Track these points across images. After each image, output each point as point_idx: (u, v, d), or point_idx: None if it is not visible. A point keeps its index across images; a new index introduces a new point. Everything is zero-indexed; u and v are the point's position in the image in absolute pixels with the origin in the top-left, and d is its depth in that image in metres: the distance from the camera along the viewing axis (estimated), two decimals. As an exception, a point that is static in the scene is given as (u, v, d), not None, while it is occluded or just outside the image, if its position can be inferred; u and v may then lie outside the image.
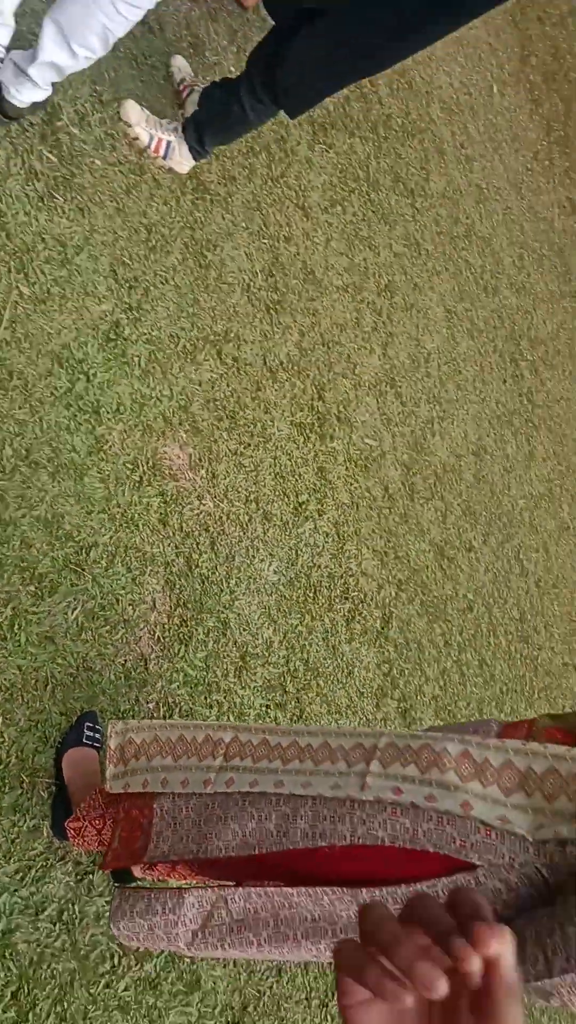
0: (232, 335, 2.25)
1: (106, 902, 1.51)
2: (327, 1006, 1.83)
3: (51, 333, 1.79)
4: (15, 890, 1.41)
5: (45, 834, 1.48)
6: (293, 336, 2.48)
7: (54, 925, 1.44)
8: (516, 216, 4.28)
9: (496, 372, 3.65)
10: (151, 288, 2.03)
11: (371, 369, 2.80)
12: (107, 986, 1.48)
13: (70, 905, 1.47)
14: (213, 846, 1.04)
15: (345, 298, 2.77)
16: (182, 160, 2.10)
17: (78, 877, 1.50)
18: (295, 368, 2.46)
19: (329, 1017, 1.83)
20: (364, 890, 0.96)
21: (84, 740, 1.56)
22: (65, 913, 1.46)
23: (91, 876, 1.52)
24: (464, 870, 0.91)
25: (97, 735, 1.59)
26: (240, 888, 1.05)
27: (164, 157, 2.07)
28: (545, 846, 0.87)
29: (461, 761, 0.94)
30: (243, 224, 2.38)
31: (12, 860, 1.43)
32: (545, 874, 0.87)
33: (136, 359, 1.96)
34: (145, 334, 1.99)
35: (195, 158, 2.12)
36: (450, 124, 3.82)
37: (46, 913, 1.44)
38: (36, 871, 1.45)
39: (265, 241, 2.46)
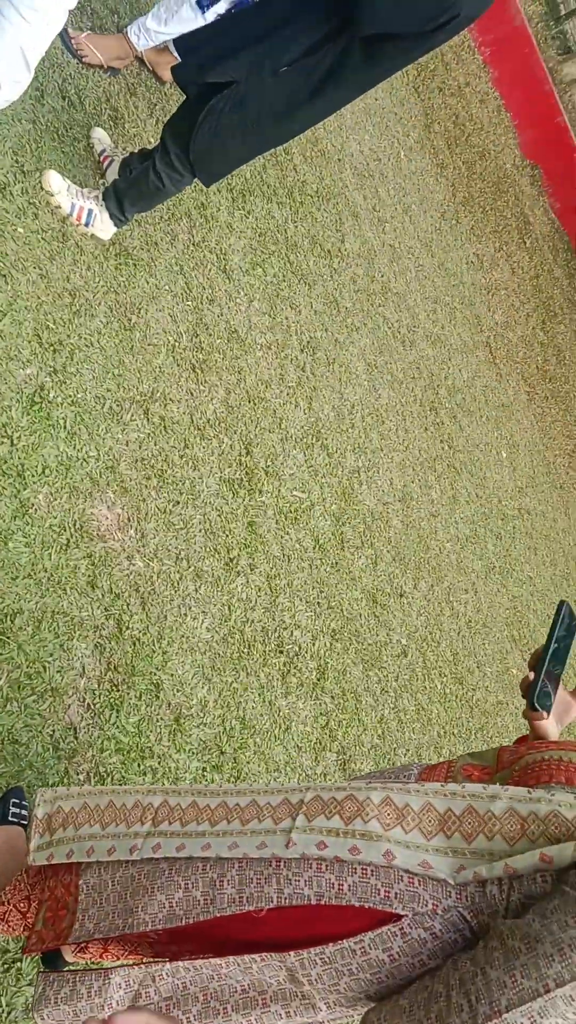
0: (159, 395, 2.27)
1: (28, 983, 1.44)
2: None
3: (-28, 399, 1.77)
4: None
5: (-27, 921, 1.41)
6: (219, 393, 2.52)
7: (-16, 1019, 1.37)
8: (428, 272, 4.48)
9: (417, 420, 3.77)
10: (76, 351, 2.04)
11: (297, 423, 2.86)
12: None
13: None
14: (139, 919, 1.01)
15: (269, 355, 2.83)
16: (104, 227, 2.14)
17: (5, 966, 1.43)
18: (222, 425, 2.49)
19: None
20: (292, 953, 0.95)
21: (9, 818, 1.51)
22: (-4, 1005, 1.39)
23: (19, 964, 1.45)
24: (389, 922, 0.91)
25: (24, 811, 1.54)
26: (168, 963, 1.03)
27: (86, 224, 2.11)
28: (467, 888, 0.88)
29: (383, 808, 0.95)
30: (167, 287, 2.43)
31: None
32: (468, 918, 0.88)
33: (62, 421, 1.95)
34: (70, 396, 1.99)
35: (116, 225, 2.16)
36: (362, 188, 4.00)
37: (-25, 1007, 1.36)
38: (-36, 962, 1.38)
39: (189, 303, 2.50)
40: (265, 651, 2.33)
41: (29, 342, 1.93)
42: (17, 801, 1.53)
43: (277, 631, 2.41)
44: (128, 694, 1.87)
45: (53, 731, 1.68)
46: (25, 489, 1.81)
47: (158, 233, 2.47)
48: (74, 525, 1.90)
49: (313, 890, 0.93)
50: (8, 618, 1.68)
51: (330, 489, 2.92)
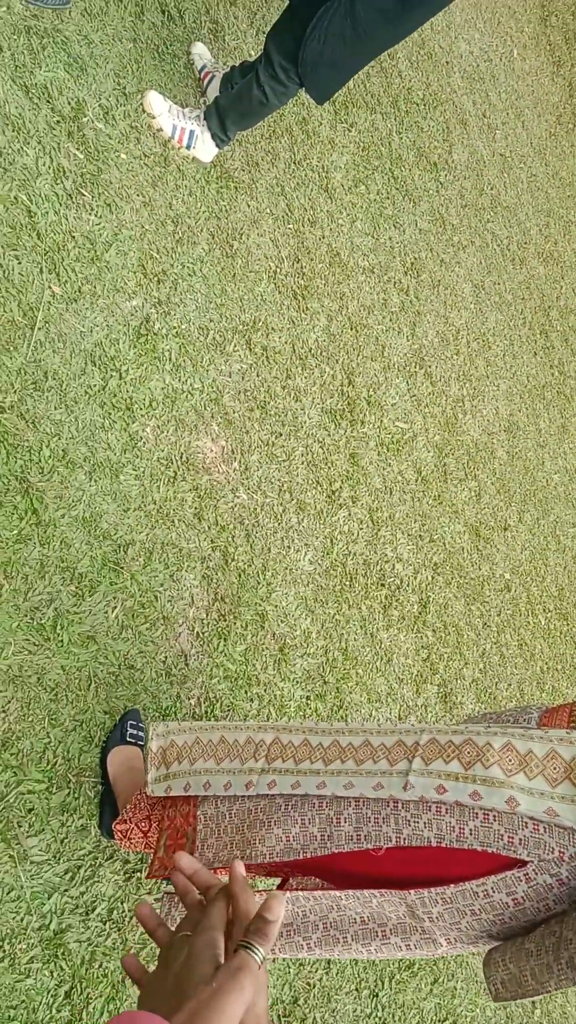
0: (260, 324, 2.23)
1: (155, 899, 1.54)
2: (377, 995, 1.85)
3: (83, 332, 1.78)
4: (65, 890, 1.44)
5: (93, 833, 1.51)
6: (321, 321, 2.45)
7: (104, 924, 1.47)
8: (541, 183, 4.18)
9: (526, 345, 3.58)
10: (179, 281, 2.01)
11: (400, 350, 2.76)
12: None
13: (119, 904, 1.50)
14: (258, 851, 1.04)
15: (372, 279, 2.72)
16: (206, 149, 2.07)
17: (126, 876, 1.52)
18: (324, 354, 2.43)
19: (380, 1007, 1.85)
20: (412, 891, 0.96)
21: (127, 739, 1.58)
22: (115, 912, 1.49)
23: (139, 874, 1.54)
24: (514, 867, 0.90)
25: (140, 733, 1.60)
26: (287, 892, 1.06)
27: (187, 147, 2.04)
28: None
29: (504, 754, 0.93)
30: (268, 210, 2.35)
31: (62, 860, 1.46)
32: None
33: (167, 353, 1.94)
34: (175, 328, 1.98)
35: (218, 145, 2.08)
36: (471, 93, 3.72)
37: (96, 912, 1.46)
38: (85, 870, 1.47)
39: (290, 226, 2.42)
40: (367, 584, 2.32)
41: (134, 273, 1.92)
42: (134, 723, 1.60)
43: (379, 564, 2.39)
44: (235, 624, 1.90)
45: (165, 658, 1.74)
46: (134, 422, 1.83)
47: (259, 153, 2.38)
48: (181, 458, 1.91)
49: (433, 832, 0.93)
50: (121, 549, 1.73)
51: (433, 419, 2.83)
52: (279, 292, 2.32)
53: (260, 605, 1.99)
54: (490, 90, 3.90)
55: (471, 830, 0.91)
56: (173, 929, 0.64)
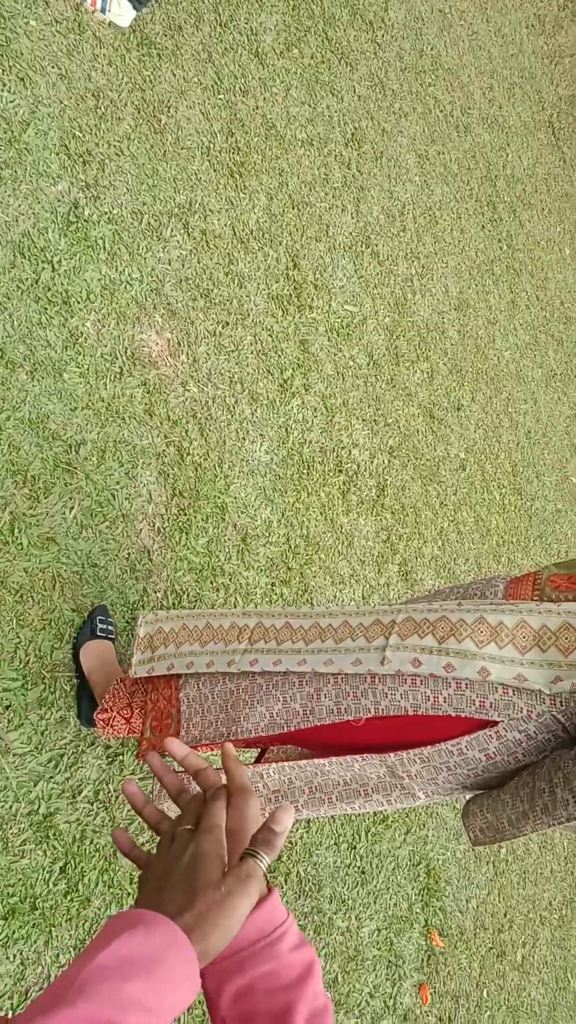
0: (197, 205, 2.13)
1: (139, 779, 1.60)
2: (355, 848, 1.99)
3: (8, 221, 1.68)
4: (50, 777, 1.49)
5: (72, 724, 1.55)
6: (261, 200, 2.35)
7: (92, 805, 1.53)
8: (483, 41, 3.97)
9: (473, 218, 3.50)
10: (106, 161, 1.90)
11: (345, 229, 2.68)
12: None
13: (104, 785, 1.56)
14: (243, 728, 1.08)
15: (311, 152, 2.60)
16: (121, 12, 1.91)
17: (109, 759, 1.58)
18: (266, 236, 2.34)
19: (358, 858, 1.99)
20: (391, 754, 1.01)
21: (98, 632, 1.60)
22: (101, 793, 1.55)
23: (122, 757, 1.60)
24: (486, 727, 0.96)
25: (110, 627, 1.63)
26: (273, 763, 1.11)
27: (103, 10, 1.88)
28: (561, 696, 0.91)
29: (477, 628, 0.97)
30: (196, 79, 2.20)
31: (44, 750, 1.50)
32: (562, 720, 0.91)
33: (100, 241, 1.86)
34: (106, 213, 1.88)
35: (135, 8, 1.92)
36: None
37: (83, 795, 1.52)
38: (68, 758, 1.53)
39: (221, 96, 2.28)
40: (324, 471, 2.33)
41: (56, 154, 1.80)
42: (103, 618, 1.62)
43: (335, 450, 2.39)
44: (195, 517, 1.91)
45: (128, 555, 1.75)
46: (72, 317, 1.77)
47: (181, 15, 2.21)
48: (125, 353, 1.86)
49: (409, 702, 0.97)
50: (72, 449, 1.70)
51: (382, 300, 2.78)
52: (214, 170, 2.21)
53: (219, 498, 1.99)
54: None
55: (445, 698, 0.96)
56: (165, 812, 0.67)
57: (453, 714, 0.95)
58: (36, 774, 1.46)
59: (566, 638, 0.93)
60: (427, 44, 3.44)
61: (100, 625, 1.61)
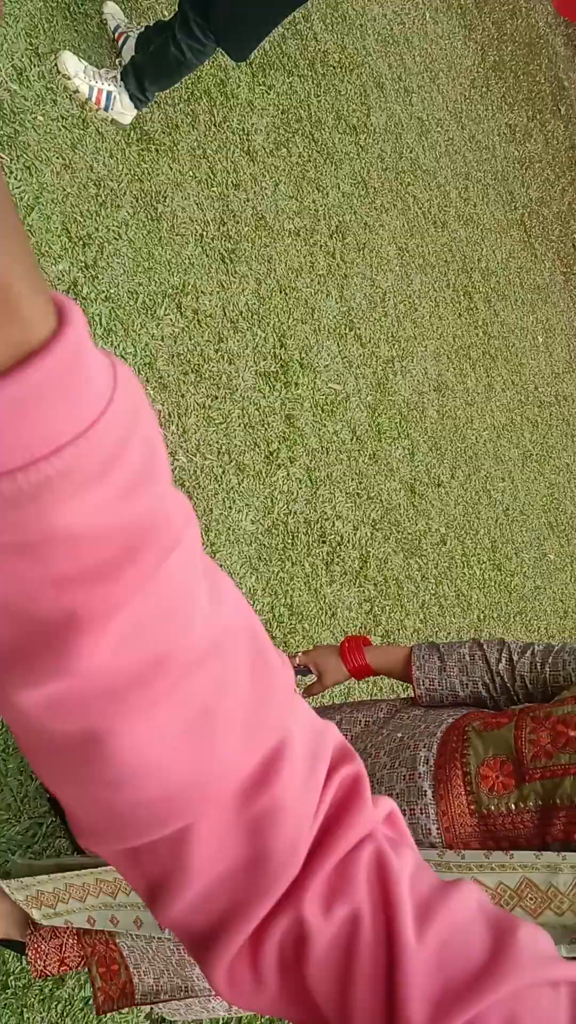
0: (190, 287, 2.23)
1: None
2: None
3: (8, 297, 1.76)
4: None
5: None
6: (250, 284, 2.47)
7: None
8: (458, 146, 4.25)
9: (451, 307, 3.67)
10: (105, 244, 2.00)
11: (329, 313, 2.80)
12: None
13: None
14: (198, 987, 0.99)
15: (298, 242, 2.75)
16: (124, 110, 2.05)
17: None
18: (255, 317, 2.45)
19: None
20: None
21: None
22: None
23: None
24: None
25: None
26: None
27: (106, 108, 2.02)
28: None
29: None
30: (191, 173, 2.34)
31: None
32: None
33: (97, 318, 1.94)
34: (103, 292, 1.97)
35: (137, 107, 2.06)
36: (386, 56, 3.75)
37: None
38: None
39: (214, 189, 2.42)
40: (309, 542, 2.37)
41: (59, 236, 1.89)
42: None
43: (319, 522, 2.44)
44: (181, 584, 1.92)
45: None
46: (67, 388, 1.82)
47: (178, 115, 2.37)
48: (117, 422, 1.91)
49: None
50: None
51: (365, 380, 2.89)
52: (206, 255, 2.33)
53: (205, 565, 2.01)
54: (404, 53, 3.94)
55: None
56: None
57: None
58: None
59: (531, 898, 0.78)
60: (406, 147, 3.69)
61: None
